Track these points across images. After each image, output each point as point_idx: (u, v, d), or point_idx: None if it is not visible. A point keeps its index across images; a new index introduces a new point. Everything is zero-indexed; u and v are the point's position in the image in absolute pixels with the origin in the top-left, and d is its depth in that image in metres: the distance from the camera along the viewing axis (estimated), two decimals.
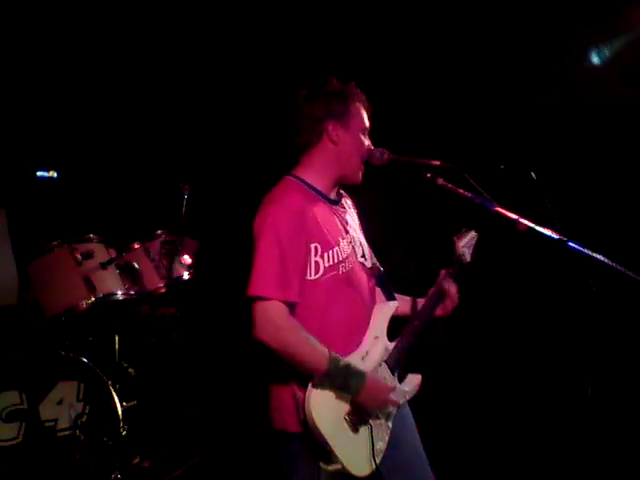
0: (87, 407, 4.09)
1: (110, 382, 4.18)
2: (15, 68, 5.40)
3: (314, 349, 2.48)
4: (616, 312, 4.55)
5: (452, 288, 2.85)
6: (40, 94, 5.60)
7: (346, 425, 2.51)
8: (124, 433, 4.13)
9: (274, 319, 2.45)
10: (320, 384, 2.47)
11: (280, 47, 5.77)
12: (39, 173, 5.32)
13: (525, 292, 5.60)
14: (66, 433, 4.02)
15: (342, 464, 2.47)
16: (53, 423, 4.01)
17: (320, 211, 2.63)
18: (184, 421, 4.81)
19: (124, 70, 5.82)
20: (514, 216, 2.46)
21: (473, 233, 3.00)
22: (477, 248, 3.01)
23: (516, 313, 5.54)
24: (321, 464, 2.49)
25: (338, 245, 2.63)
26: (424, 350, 2.86)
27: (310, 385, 2.48)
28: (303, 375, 2.50)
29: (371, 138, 2.77)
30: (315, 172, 2.69)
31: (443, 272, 2.89)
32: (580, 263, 2.47)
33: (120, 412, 4.14)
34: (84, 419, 4.06)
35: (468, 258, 2.95)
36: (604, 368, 4.00)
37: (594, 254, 2.33)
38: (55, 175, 5.36)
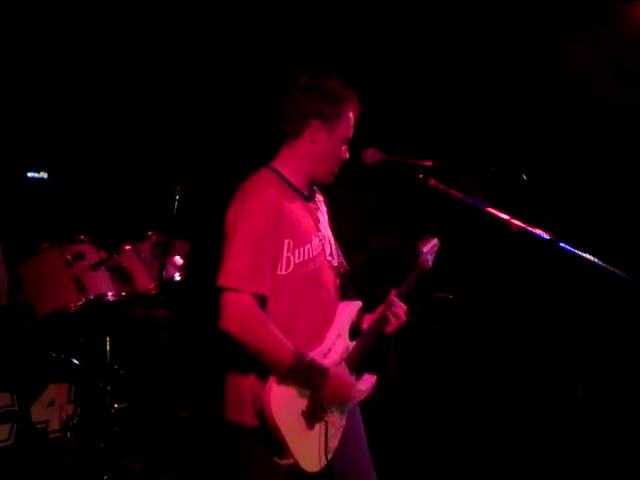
0: (78, 409, 4.07)
1: (101, 384, 4.17)
2: (6, 69, 5.38)
3: (281, 344, 2.48)
4: (607, 312, 4.57)
5: (400, 309, 2.84)
6: (31, 94, 5.58)
7: (303, 421, 2.53)
8: (115, 435, 4.12)
9: (244, 312, 2.44)
10: (281, 379, 2.48)
11: (269, 49, 5.77)
12: (29, 174, 5.30)
13: (516, 292, 5.61)
14: (57, 435, 4.00)
15: (295, 459, 2.49)
16: (44, 425, 3.99)
17: (295, 207, 2.64)
18: (175, 423, 4.80)
19: (115, 72, 5.81)
20: (505, 217, 2.46)
21: (436, 240, 3.05)
22: (469, 248, 3.02)
23: (507, 313, 5.55)
24: (275, 458, 2.51)
25: (310, 242, 2.64)
26: (417, 350, 2.87)
27: (271, 379, 2.48)
28: (264, 369, 2.51)
29: (364, 138, 2.78)
30: (291, 167, 2.69)
31: (393, 292, 2.88)
32: (571, 263, 2.48)
33: (111, 414, 4.13)
34: (75, 421, 4.04)
35: (430, 264, 2.99)
36: (595, 368, 4.02)
37: (585, 254, 2.34)
38: (45, 176, 5.34)
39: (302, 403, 2.54)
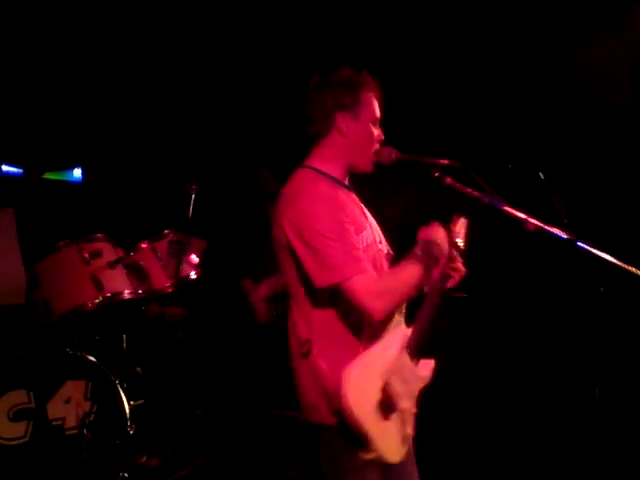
0: (95, 406, 4.10)
1: (118, 381, 4.19)
2: (20, 68, 5.41)
3: (406, 276, 2.56)
4: (624, 312, 4.55)
5: (458, 261, 2.76)
6: (46, 94, 5.62)
7: (379, 413, 2.51)
8: (131, 432, 4.14)
9: (374, 288, 2.47)
10: (352, 374, 2.47)
11: (284, 46, 5.77)
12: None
13: (533, 292, 5.59)
14: (74, 432, 4.04)
15: (379, 451, 2.49)
16: (61, 422, 4.03)
17: (344, 197, 2.65)
18: (191, 420, 4.82)
19: (132, 70, 5.83)
20: (522, 215, 2.45)
21: (463, 220, 2.97)
22: (485, 247, 3.00)
23: (523, 313, 5.53)
24: (359, 453, 2.50)
25: (365, 229, 2.65)
26: (431, 350, 2.86)
27: (343, 377, 2.46)
28: (334, 368, 2.49)
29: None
30: (327, 162, 2.67)
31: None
32: (588, 263, 2.47)
33: (127, 411, 4.15)
34: (92, 418, 4.08)
35: (463, 245, 2.94)
36: (611, 369, 4.00)
37: (602, 254, 2.33)
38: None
39: (375, 395, 2.51)
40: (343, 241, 2.47)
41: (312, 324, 2.57)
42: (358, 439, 2.48)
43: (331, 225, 2.47)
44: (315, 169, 2.66)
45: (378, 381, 2.53)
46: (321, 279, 2.47)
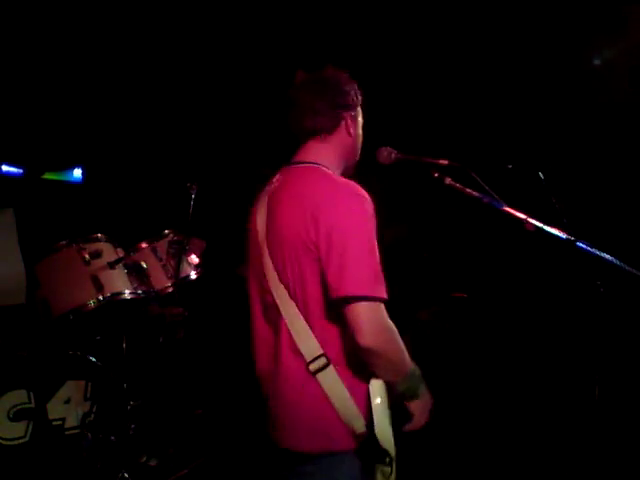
0: (95, 406, 4.11)
1: (118, 381, 4.20)
2: (20, 68, 5.42)
3: (405, 352, 2.35)
4: (624, 312, 4.55)
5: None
6: (46, 94, 5.62)
7: (391, 425, 2.37)
8: (131, 432, 4.15)
9: (381, 322, 2.26)
10: (378, 393, 2.34)
11: (285, 46, 5.78)
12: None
13: (533, 292, 5.59)
14: (74, 432, 4.04)
15: (393, 470, 2.34)
16: (61, 422, 4.03)
17: None
18: (191, 420, 4.82)
19: (132, 71, 5.84)
20: (522, 216, 2.46)
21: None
22: (485, 248, 3.01)
23: (523, 313, 5.54)
24: (382, 474, 2.35)
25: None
26: (432, 350, 2.85)
27: (372, 389, 2.33)
28: (361, 380, 2.35)
29: (379, 137, 2.77)
30: (332, 162, 2.55)
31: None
32: (588, 263, 2.47)
33: (127, 411, 4.16)
34: (92, 418, 4.08)
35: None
36: (611, 368, 4.00)
37: (602, 254, 2.33)
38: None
39: (387, 407, 2.37)
40: (374, 256, 2.29)
41: (330, 335, 2.35)
42: (383, 458, 2.31)
43: (369, 235, 2.30)
44: (327, 167, 2.52)
45: (387, 391, 2.39)
46: (342, 289, 2.24)
